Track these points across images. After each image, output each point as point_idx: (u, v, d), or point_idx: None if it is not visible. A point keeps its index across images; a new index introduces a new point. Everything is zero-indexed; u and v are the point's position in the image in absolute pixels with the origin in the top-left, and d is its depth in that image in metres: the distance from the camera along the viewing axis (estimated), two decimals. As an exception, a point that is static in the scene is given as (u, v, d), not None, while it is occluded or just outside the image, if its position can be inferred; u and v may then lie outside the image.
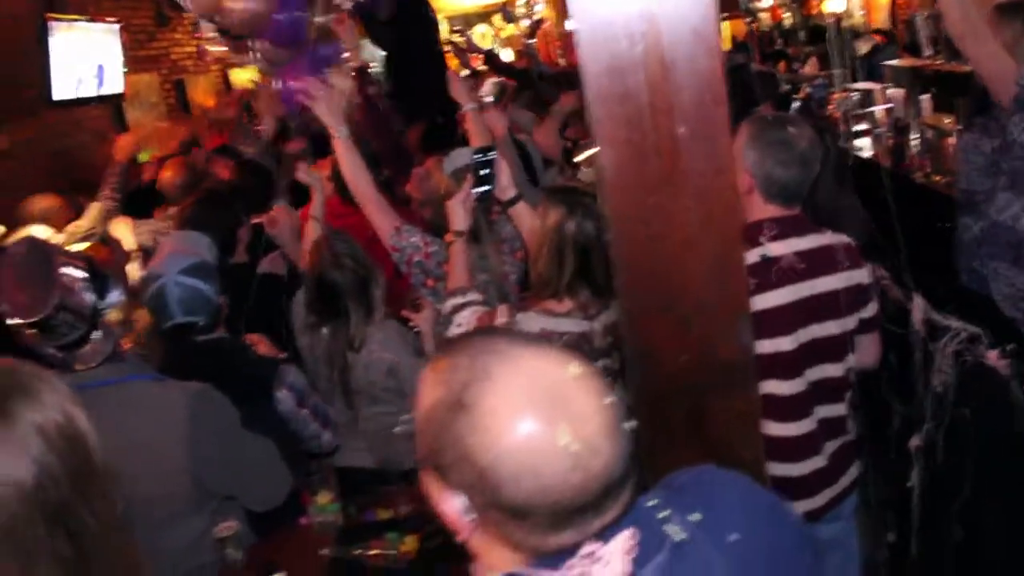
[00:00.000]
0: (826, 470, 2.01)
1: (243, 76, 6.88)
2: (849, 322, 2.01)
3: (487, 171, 2.30)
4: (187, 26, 6.90)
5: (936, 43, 4.87)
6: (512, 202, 2.40)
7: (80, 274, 1.78)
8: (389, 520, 2.12)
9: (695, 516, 0.97)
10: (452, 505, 0.91)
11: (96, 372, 1.85)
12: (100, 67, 5.88)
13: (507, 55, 9.33)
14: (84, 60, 5.67)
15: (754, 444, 1.49)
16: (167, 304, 2.07)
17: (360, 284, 2.55)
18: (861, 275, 2.03)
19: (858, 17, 8.60)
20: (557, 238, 2.00)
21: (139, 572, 1.09)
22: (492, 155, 2.31)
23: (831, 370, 2.00)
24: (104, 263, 2.14)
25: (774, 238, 1.92)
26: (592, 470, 0.86)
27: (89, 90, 5.82)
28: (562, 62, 9.31)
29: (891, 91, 5.01)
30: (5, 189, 5.20)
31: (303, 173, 3.06)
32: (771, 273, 1.89)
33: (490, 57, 6.34)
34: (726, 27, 10.03)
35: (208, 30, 2.88)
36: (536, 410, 0.85)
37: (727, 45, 9.44)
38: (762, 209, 1.96)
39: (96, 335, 1.76)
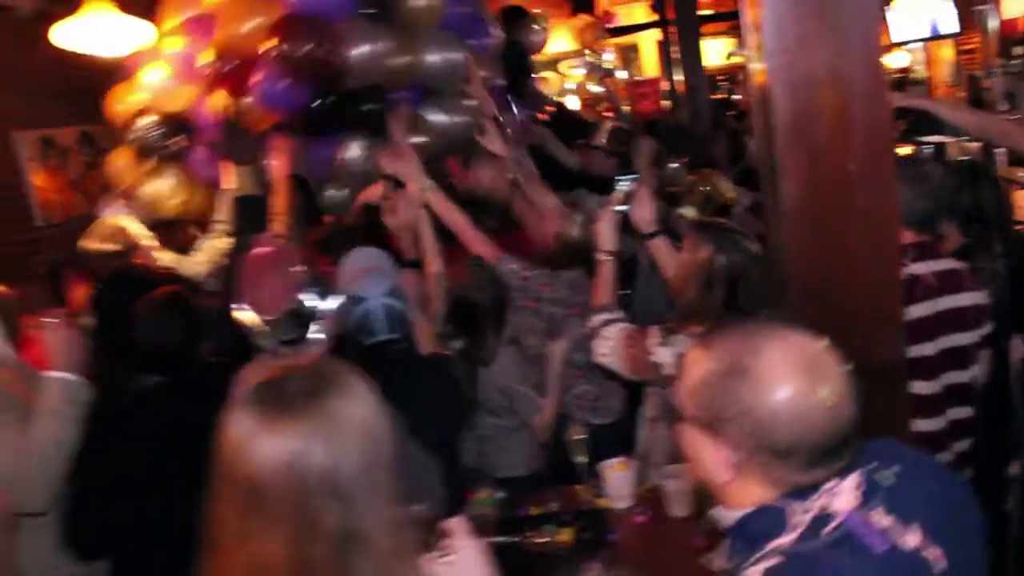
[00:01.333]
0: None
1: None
2: (974, 336, 2.28)
3: (629, 193, 2.55)
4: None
5: (1012, 98, 5.12)
6: (653, 235, 2.65)
7: (306, 278, 2.03)
8: (541, 515, 2.37)
9: (895, 468, 1.22)
10: (721, 453, 1.17)
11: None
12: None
13: (573, 102, 9.70)
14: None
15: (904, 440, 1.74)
16: (373, 323, 2.33)
17: (497, 306, 2.83)
18: (981, 296, 2.33)
19: (921, 72, 8.86)
20: (707, 271, 2.20)
21: (406, 561, 1.19)
22: (634, 179, 2.56)
23: (961, 376, 2.27)
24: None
25: (914, 260, 2.20)
26: (841, 420, 1.12)
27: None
28: (626, 110, 9.68)
29: (965, 144, 5.25)
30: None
31: (387, 162, 3.11)
32: (915, 290, 2.16)
33: (559, 109, 6.64)
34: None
35: None
36: (801, 373, 1.13)
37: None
38: (901, 235, 2.22)
39: (312, 335, 2.02)
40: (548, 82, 10.14)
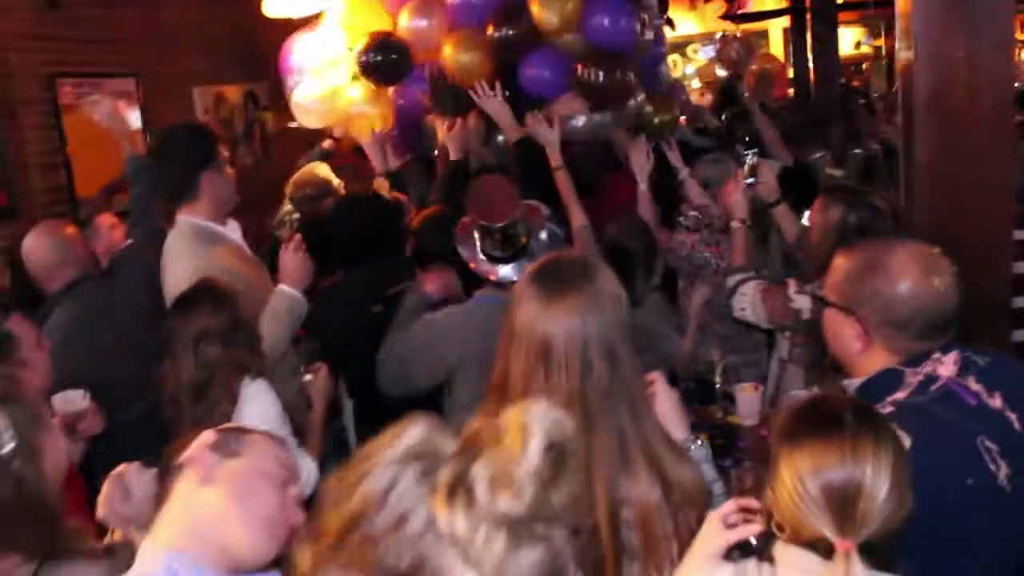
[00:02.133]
0: None
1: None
2: None
3: (753, 167, 3.02)
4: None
5: None
6: (776, 203, 3.09)
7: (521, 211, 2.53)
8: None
9: (987, 358, 1.65)
10: (856, 328, 1.64)
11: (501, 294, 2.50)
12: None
13: (695, 85, 10.04)
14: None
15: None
16: (539, 243, 2.84)
17: (648, 254, 3.29)
18: None
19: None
20: (840, 228, 2.56)
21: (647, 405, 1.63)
22: (757, 155, 3.03)
23: None
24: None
25: None
26: (947, 303, 1.58)
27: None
28: (747, 94, 9.96)
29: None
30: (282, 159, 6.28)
31: (535, 123, 3.49)
32: None
33: None
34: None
35: None
36: (919, 267, 1.59)
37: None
38: None
39: (518, 262, 2.46)
40: (672, 65, 10.54)
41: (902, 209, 2.27)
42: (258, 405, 2.09)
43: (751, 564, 1.33)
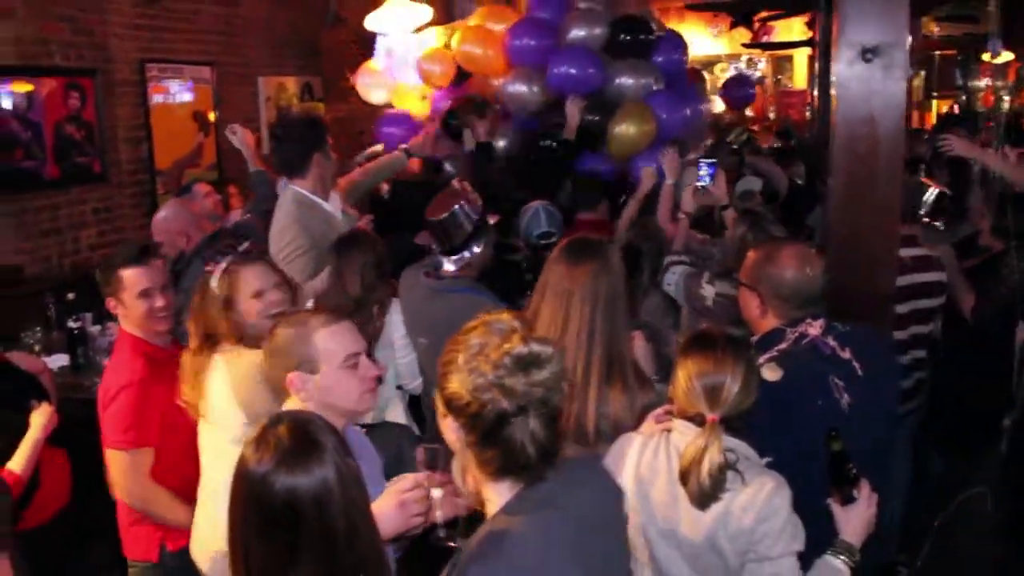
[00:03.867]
0: (908, 389, 3.44)
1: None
2: (934, 302, 3.51)
3: (707, 172, 3.75)
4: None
5: None
6: (725, 207, 3.80)
7: (471, 203, 3.23)
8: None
9: (849, 328, 2.43)
10: (756, 300, 2.43)
11: (450, 281, 3.07)
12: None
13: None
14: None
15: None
16: (540, 218, 3.60)
17: (655, 255, 4.00)
18: (941, 275, 3.53)
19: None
20: (743, 241, 3.31)
21: None
22: (713, 163, 3.81)
23: (922, 329, 3.50)
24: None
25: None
26: (816, 285, 2.39)
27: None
28: (772, 116, 10.73)
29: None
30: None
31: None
32: None
33: None
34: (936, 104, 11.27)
35: None
36: (799, 260, 2.40)
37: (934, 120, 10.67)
38: None
39: (469, 251, 3.02)
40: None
41: (825, 222, 3.04)
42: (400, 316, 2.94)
43: (656, 432, 2.11)
